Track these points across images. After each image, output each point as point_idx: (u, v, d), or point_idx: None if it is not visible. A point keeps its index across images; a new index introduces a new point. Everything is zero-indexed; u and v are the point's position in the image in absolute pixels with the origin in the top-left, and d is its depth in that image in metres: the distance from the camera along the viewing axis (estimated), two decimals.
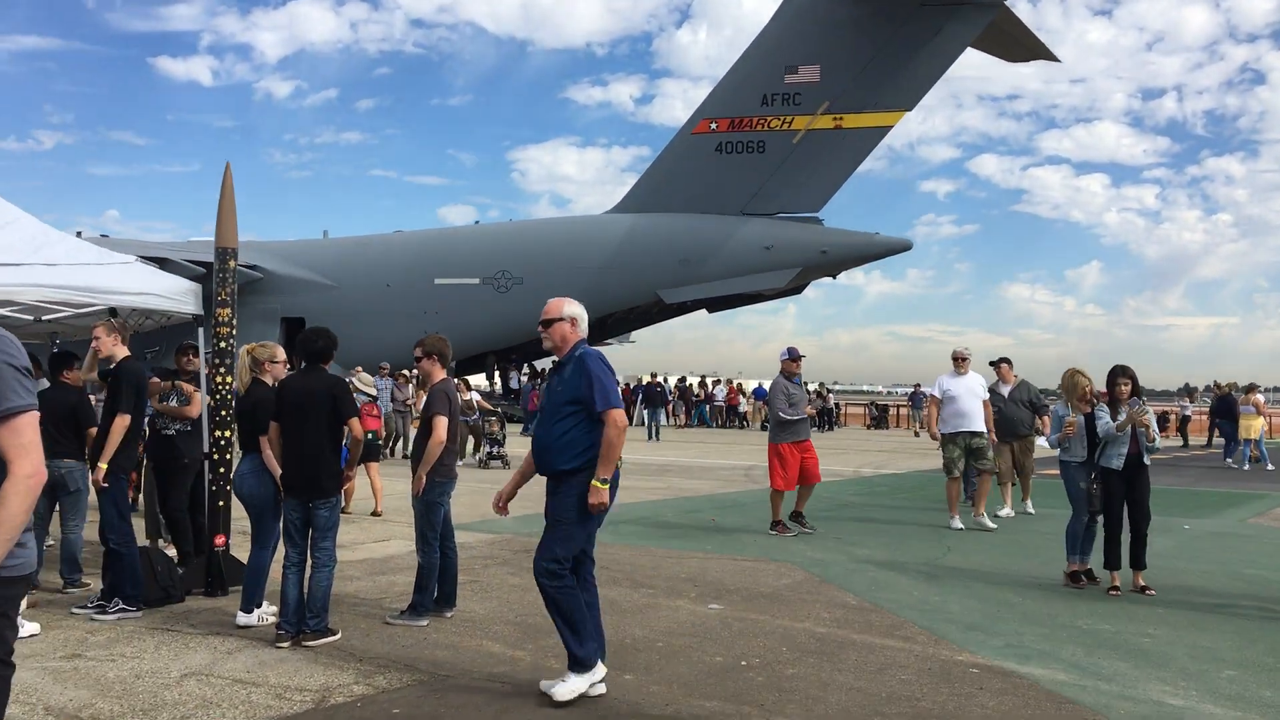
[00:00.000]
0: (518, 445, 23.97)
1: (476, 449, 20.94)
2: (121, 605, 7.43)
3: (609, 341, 57.23)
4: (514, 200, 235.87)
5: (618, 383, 6.04)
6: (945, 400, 13.27)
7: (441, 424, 7.37)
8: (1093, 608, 8.57)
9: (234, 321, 8.21)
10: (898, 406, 56.09)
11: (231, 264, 8.15)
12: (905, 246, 39.55)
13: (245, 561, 7.30)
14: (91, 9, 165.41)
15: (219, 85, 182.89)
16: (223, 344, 8.09)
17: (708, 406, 43.36)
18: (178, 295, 8.64)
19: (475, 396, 22.19)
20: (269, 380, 7.32)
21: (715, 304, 41.18)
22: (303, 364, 7.06)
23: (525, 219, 45.00)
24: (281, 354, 7.52)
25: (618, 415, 5.86)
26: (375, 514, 13.76)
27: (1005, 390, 14.44)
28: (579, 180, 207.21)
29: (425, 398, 7.64)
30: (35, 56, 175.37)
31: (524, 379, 41.59)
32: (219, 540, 8.17)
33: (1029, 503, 14.73)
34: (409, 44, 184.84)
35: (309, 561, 6.88)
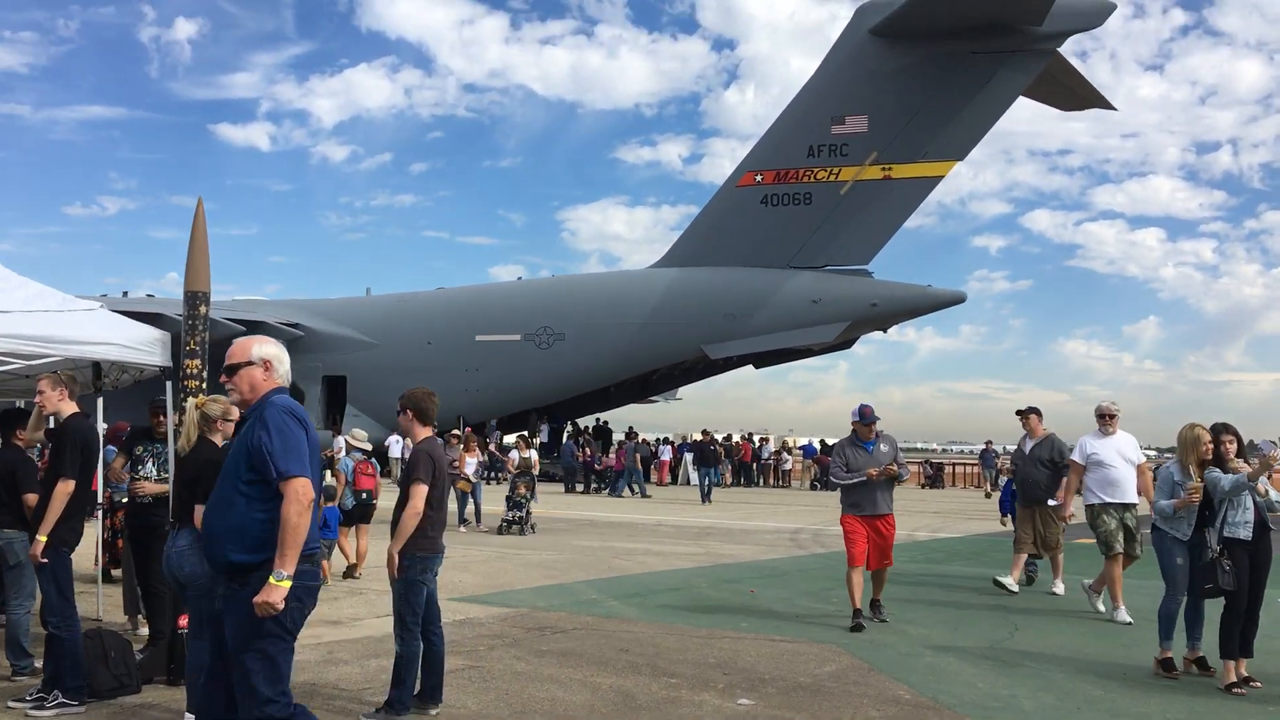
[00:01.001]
0: (556, 504, 22.89)
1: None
2: (61, 699, 6.50)
3: (654, 399, 56.30)
4: (564, 259, 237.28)
5: (312, 440, 4.66)
6: (1091, 466, 10.91)
7: (420, 492, 6.39)
8: (1193, 704, 7.33)
9: (204, 374, 7.33)
10: (953, 464, 54.38)
11: (202, 309, 7.30)
12: (959, 299, 38.31)
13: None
14: (155, 78, 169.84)
15: (276, 150, 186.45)
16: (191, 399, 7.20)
17: (754, 465, 41.97)
18: (142, 345, 7.80)
19: (533, 455, 21.23)
20: (219, 441, 6.40)
21: (762, 359, 40.08)
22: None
23: (570, 274, 44.21)
24: (236, 411, 6.60)
25: (299, 486, 4.54)
26: (350, 575, 12.86)
27: (1028, 446, 12.66)
28: (628, 239, 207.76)
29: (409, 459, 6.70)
30: (101, 125, 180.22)
31: (544, 434, 40.65)
32: (182, 621, 7.21)
33: (1059, 583, 12.51)
34: (461, 108, 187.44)
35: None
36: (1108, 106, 41.67)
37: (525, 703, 6.93)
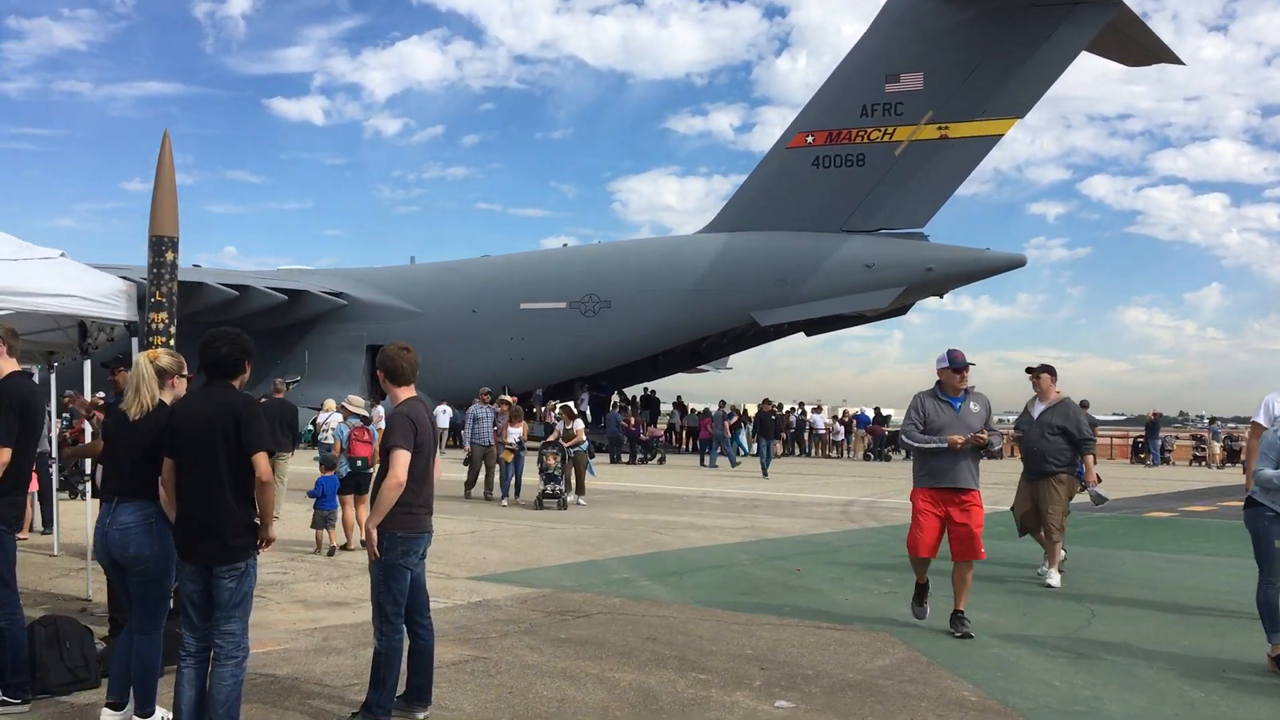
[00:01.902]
0: (600, 475, 21.88)
1: (579, 487, 18.55)
2: (2, 696, 5.75)
3: (704, 368, 55.28)
4: (615, 230, 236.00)
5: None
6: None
7: (401, 460, 5.49)
8: None
9: (172, 329, 6.50)
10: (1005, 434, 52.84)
11: (169, 255, 6.45)
12: (1019, 262, 36.82)
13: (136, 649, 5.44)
14: (210, 54, 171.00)
15: (330, 124, 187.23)
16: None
17: (805, 434, 40.80)
18: (104, 297, 6.99)
19: (579, 425, 19.58)
20: (169, 400, 5.54)
21: (813, 326, 38.93)
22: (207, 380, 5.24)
23: (616, 240, 43.24)
24: (185, 365, 5.75)
25: None
26: (342, 547, 12.21)
27: (1037, 410, 10.77)
28: (679, 210, 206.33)
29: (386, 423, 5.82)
30: (158, 101, 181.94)
31: (585, 403, 39.86)
32: None
33: (1053, 572, 10.54)
34: (512, 80, 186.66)
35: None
36: (1175, 61, 39.60)
37: (529, 704, 6.05)
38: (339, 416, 19.89)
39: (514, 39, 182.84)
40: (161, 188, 6.43)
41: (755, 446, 31.28)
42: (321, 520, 12.20)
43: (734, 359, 60.33)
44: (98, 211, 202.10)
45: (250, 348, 5.24)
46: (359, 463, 12.77)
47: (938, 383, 8.50)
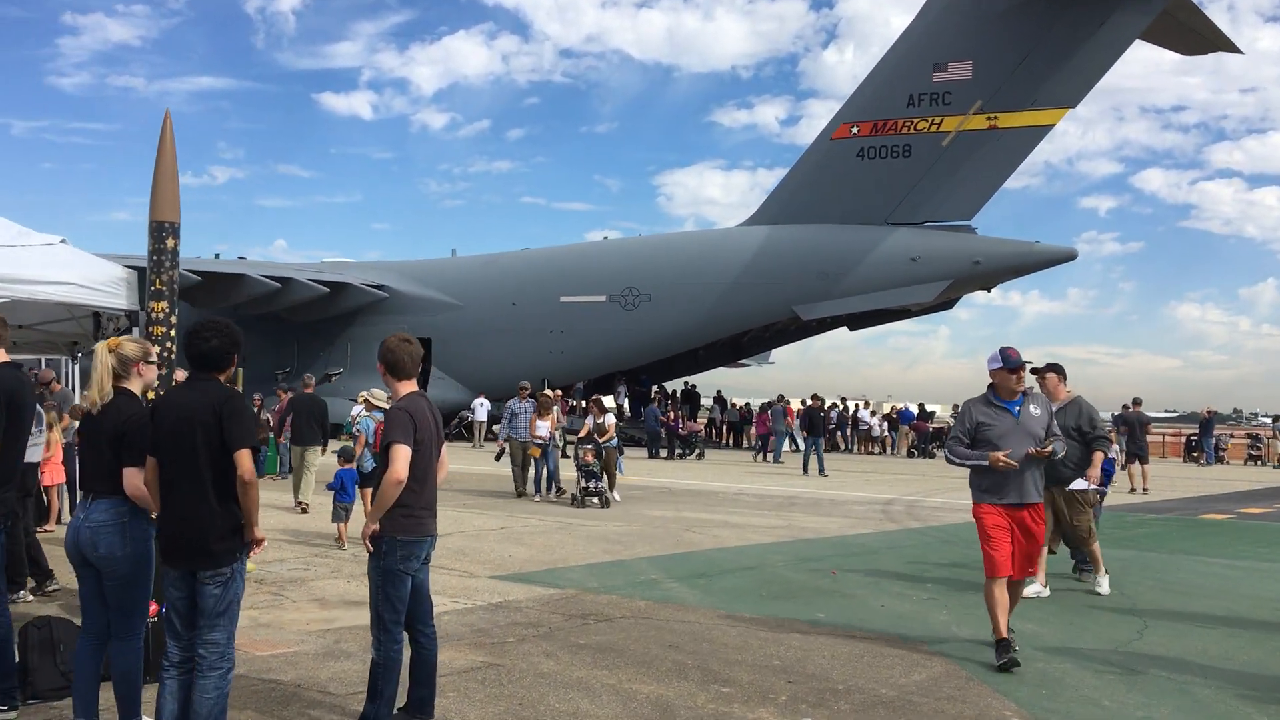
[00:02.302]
0: (637, 470, 21.56)
1: (610, 483, 17.67)
2: None
3: (745, 362, 54.74)
4: (660, 224, 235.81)
5: None
6: None
7: (401, 456, 5.16)
8: None
9: (173, 319, 6.23)
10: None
11: (170, 242, 6.17)
12: (1069, 256, 35.99)
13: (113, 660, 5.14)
14: (260, 49, 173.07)
15: (378, 119, 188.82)
16: (158, 348, 6.11)
17: (848, 430, 40.14)
18: (104, 285, 6.74)
19: (609, 419, 18.99)
20: (138, 390, 5.24)
21: (857, 321, 38.35)
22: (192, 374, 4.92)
23: (656, 233, 42.88)
24: (154, 352, 5.45)
25: None
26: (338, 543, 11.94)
27: (1048, 411, 10.03)
28: (724, 203, 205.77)
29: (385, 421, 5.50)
30: (210, 96, 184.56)
31: (623, 397, 39.63)
32: (152, 609, 6.17)
33: (1102, 579, 9.89)
34: (557, 74, 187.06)
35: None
36: (1233, 49, 38.49)
37: (538, 716, 5.71)
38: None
39: (559, 33, 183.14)
40: (162, 171, 6.15)
41: (802, 443, 30.70)
42: (342, 513, 11.99)
43: (776, 354, 59.75)
44: None
45: (239, 339, 4.93)
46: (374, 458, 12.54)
47: (990, 386, 7.52)
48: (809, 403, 29.75)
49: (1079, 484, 9.76)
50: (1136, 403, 24.16)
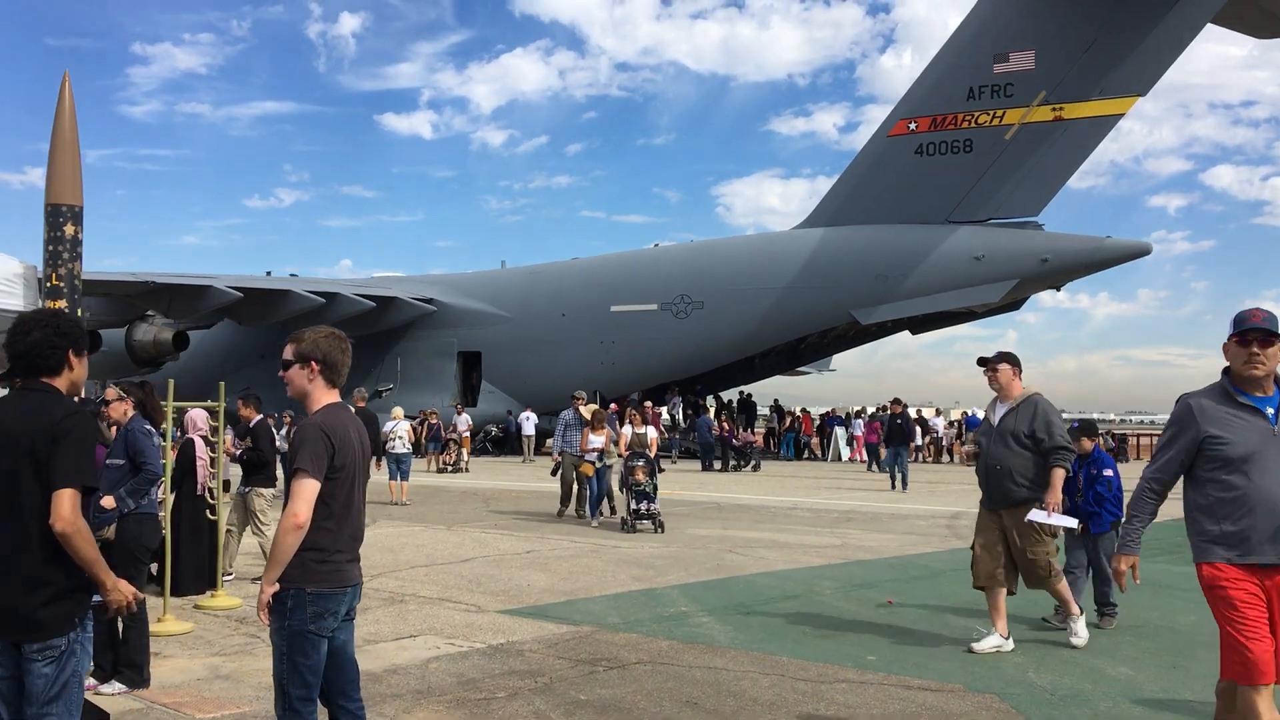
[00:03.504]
0: (686, 483, 20.22)
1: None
2: None
3: (804, 370, 53.23)
4: (720, 234, 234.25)
5: None
6: None
7: (304, 493, 4.04)
8: None
9: (83, 319, 5.23)
10: (1136, 435, 49.70)
11: (70, 230, 5.17)
12: (1143, 251, 34.12)
13: None
14: (323, 73, 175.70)
15: (439, 138, 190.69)
16: None
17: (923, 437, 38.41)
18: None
19: (651, 432, 17.47)
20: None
21: (919, 324, 36.84)
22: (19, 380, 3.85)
23: (707, 239, 41.73)
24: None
25: None
26: None
27: (998, 414, 7.87)
28: (783, 212, 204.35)
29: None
30: (274, 120, 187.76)
31: (676, 407, 38.40)
32: None
33: (1078, 625, 7.83)
34: (614, 87, 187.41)
35: None
36: None
37: None
38: (406, 425, 18.95)
39: (615, 47, 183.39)
40: (60, 145, 5.15)
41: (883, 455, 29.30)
42: None
43: (838, 361, 58.18)
44: (220, 228, 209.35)
45: (72, 330, 3.80)
46: None
47: (1226, 371, 4.74)
48: (889, 409, 28.11)
49: (1036, 515, 7.51)
50: None
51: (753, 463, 31.10)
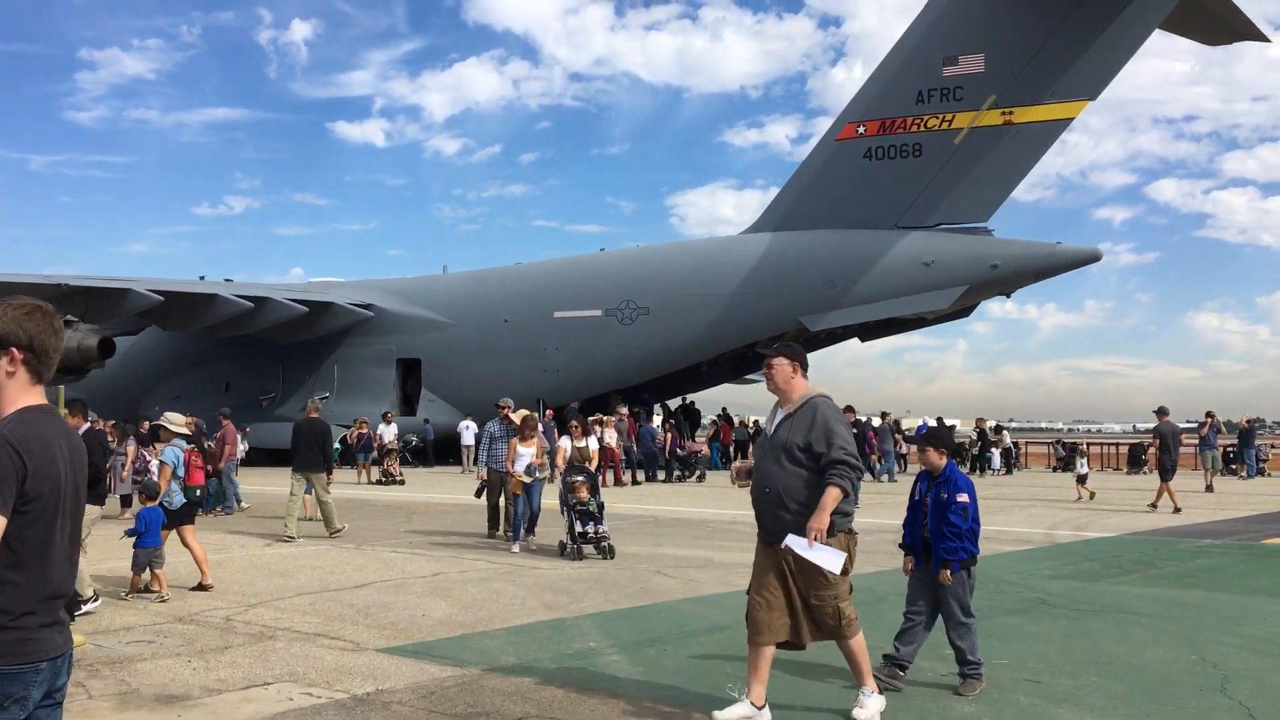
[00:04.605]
0: (624, 496, 18.78)
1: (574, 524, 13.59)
2: None
3: (753, 377, 52.33)
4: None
5: None
6: None
7: None
8: None
9: None
10: (1086, 444, 49.39)
11: None
12: (1093, 257, 33.73)
13: None
14: (274, 80, 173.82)
15: (391, 146, 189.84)
16: None
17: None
18: None
19: (593, 443, 16.05)
20: None
21: (869, 331, 36.12)
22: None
23: (653, 244, 40.86)
24: None
25: None
26: (201, 587, 10.19)
27: (774, 422, 6.41)
28: (737, 222, 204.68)
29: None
30: (225, 127, 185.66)
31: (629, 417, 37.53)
32: None
33: (868, 697, 6.21)
34: (568, 97, 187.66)
35: None
36: (1260, 38, 36.27)
37: None
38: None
39: (569, 57, 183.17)
40: None
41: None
42: (145, 560, 9.93)
43: None
44: (169, 235, 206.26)
45: None
46: (196, 492, 10.65)
47: None
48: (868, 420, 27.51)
49: (793, 542, 5.90)
50: (1164, 412, 21.58)
51: (697, 473, 30.15)
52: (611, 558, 12.83)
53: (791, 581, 6.02)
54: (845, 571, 6.06)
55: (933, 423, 38.97)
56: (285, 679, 6.85)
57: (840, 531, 6.06)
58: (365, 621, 8.72)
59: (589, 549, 13.09)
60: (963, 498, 6.96)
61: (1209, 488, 25.60)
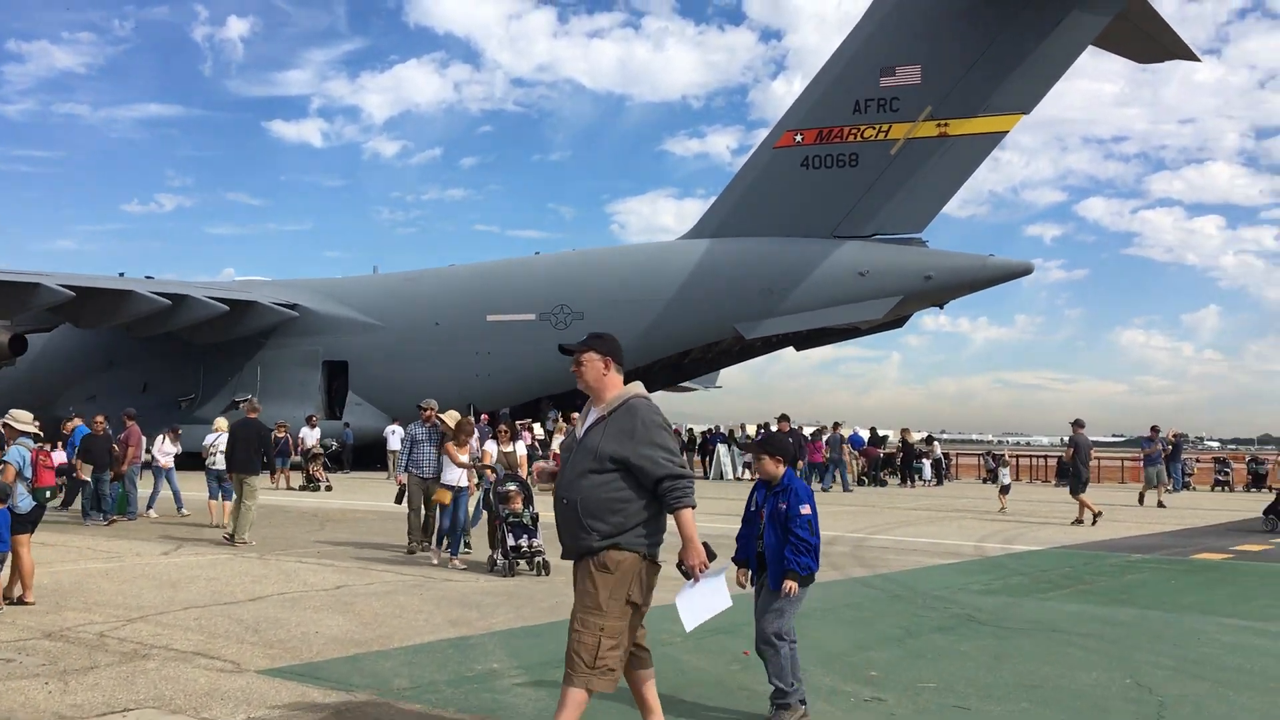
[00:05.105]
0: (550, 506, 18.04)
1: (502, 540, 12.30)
2: None
3: (690, 385, 52.08)
4: None
5: None
6: None
7: None
8: None
9: None
10: (1016, 457, 49.73)
11: None
12: (1025, 270, 33.92)
13: None
14: (209, 77, 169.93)
15: (329, 146, 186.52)
16: None
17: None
18: None
19: (521, 449, 15.45)
20: None
21: (804, 340, 35.96)
22: None
23: (589, 248, 40.40)
24: None
25: None
26: (21, 601, 9.41)
27: (585, 425, 5.54)
28: (678, 231, 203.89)
29: None
30: (158, 124, 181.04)
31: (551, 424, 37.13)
32: None
33: None
34: (510, 102, 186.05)
35: None
36: (1191, 57, 36.85)
37: None
38: (224, 438, 16.85)
39: (511, 62, 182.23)
40: None
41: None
42: None
43: (727, 378, 57.21)
44: (98, 233, 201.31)
45: None
46: (46, 493, 9.91)
47: None
48: (778, 425, 27.19)
49: (686, 600, 5.41)
50: (1079, 424, 21.42)
51: None
52: (546, 574, 11.85)
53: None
54: (638, 609, 5.10)
55: (865, 434, 39.00)
56: (149, 704, 6.19)
57: (632, 551, 5.05)
58: (251, 639, 8.07)
59: (522, 565, 12.10)
60: (805, 509, 6.35)
61: (1160, 504, 25.57)
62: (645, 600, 5.16)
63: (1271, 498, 20.49)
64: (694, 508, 5.14)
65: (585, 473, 5.11)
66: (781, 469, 6.49)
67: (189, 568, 12.03)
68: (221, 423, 17.52)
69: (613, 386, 5.33)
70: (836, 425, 34.48)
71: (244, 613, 9.18)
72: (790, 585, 6.25)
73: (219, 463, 16.58)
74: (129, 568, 11.98)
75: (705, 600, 5.23)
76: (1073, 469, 20.75)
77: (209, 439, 17.21)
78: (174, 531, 16.15)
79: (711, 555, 5.22)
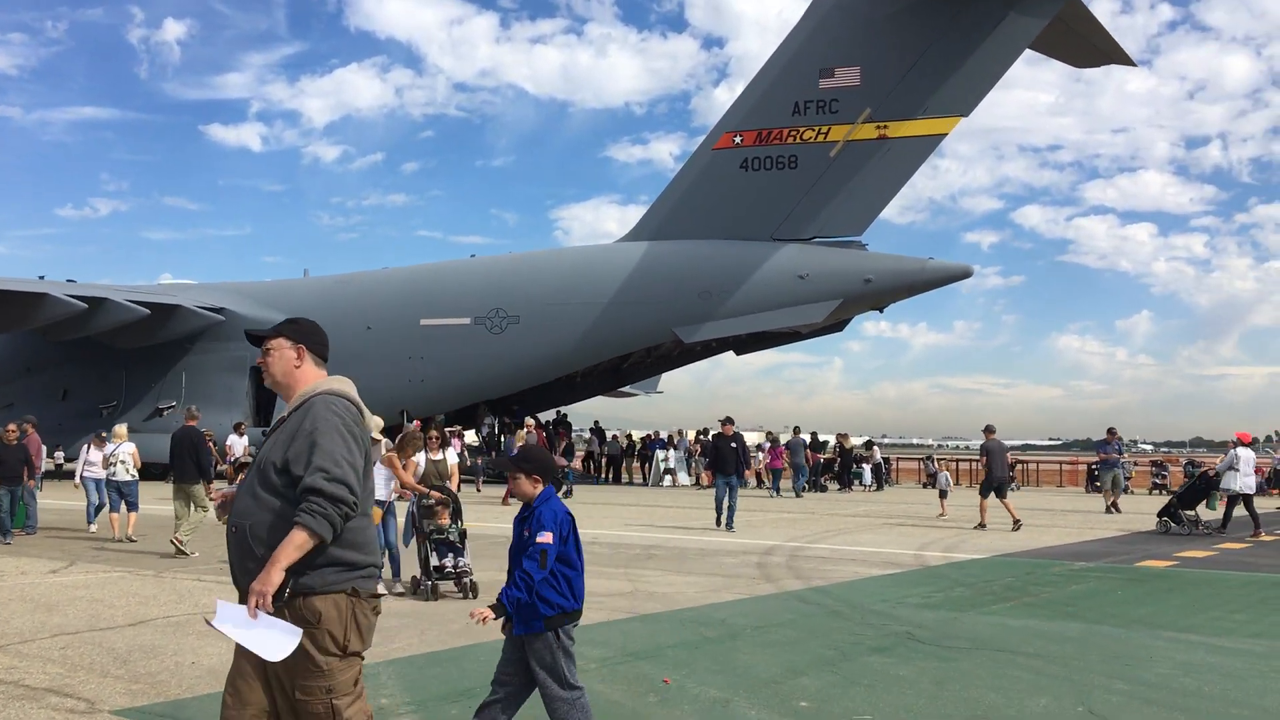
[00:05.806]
0: (496, 517, 16.86)
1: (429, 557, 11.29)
2: None
3: (630, 390, 51.43)
4: None
5: None
6: None
7: None
8: None
9: None
10: (956, 461, 49.73)
11: None
12: (964, 273, 33.80)
13: None
14: (145, 79, 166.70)
15: (268, 150, 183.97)
16: None
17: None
18: None
19: (451, 458, 13.17)
20: None
21: (743, 345, 35.52)
22: None
23: (525, 250, 39.66)
24: None
25: None
26: None
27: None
28: (620, 236, 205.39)
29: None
30: (93, 126, 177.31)
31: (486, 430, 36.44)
32: None
33: None
34: (452, 107, 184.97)
35: None
36: (1127, 62, 37.16)
37: None
38: (131, 446, 15.96)
39: (453, 67, 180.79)
40: None
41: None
42: None
43: (669, 384, 56.66)
44: (31, 238, 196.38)
45: None
46: None
47: None
48: (723, 429, 26.48)
49: (224, 614, 3.98)
50: (989, 430, 21.46)
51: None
52: (474, 596, 10.80)
53: (270, 668, 3.92)
54: (355, 653, 3.99)
55: (805, 438, 38.62)
56: None
57: (333, 592, 3.94)
58: (117, 672, 7.23)
59: (447, 585, 11.10)
60: (544, 538, 5.01)
61: (1114, 506, 25.33)
62: (366, 640, 4.05)
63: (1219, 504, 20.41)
64: (319, 537, 3.83)
65: (255, 492, 4.00)
66: (539, 489, 5.20)
67: (73, 588, 11.11)
68: (122, 430, 16.45)
69: (304, 381, 4.19)
70: (797, 430, 34.15)
71: (118, 640, 8.32)
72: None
73: (120, 473, 15.57)
74: (6, 588, 11.03)
75: (248, 632, 3.88)
76: (986, 473, 20.89)
77: (109, 448, 16.18)
78: (72, 547, 15.12)
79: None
